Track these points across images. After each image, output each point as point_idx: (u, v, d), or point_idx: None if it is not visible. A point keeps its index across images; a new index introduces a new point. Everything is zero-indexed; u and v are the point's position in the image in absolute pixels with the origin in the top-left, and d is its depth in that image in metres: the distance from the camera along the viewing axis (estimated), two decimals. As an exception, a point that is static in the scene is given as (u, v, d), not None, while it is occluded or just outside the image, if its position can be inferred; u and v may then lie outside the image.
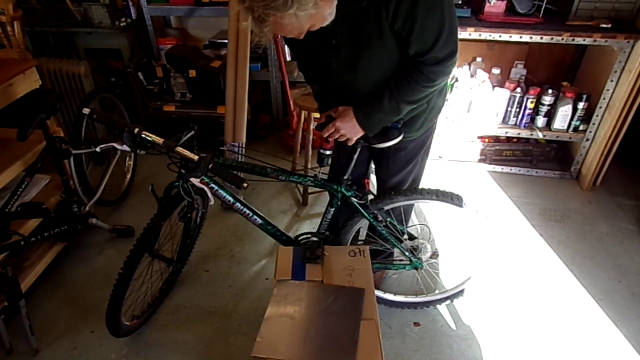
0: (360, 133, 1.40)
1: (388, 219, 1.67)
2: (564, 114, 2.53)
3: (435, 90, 1.38)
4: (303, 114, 2.44)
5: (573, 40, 2.30)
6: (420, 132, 1.54)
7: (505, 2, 2.39)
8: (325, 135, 1.43)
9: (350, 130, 1.39)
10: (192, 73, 2.74)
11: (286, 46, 2.88)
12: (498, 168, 2.82)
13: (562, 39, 2.30)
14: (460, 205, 1.59)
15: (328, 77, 1.44)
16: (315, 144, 2.95)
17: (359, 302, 1.37)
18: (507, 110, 2.62)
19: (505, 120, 2.67)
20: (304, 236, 1.77)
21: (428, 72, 1.26)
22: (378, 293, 1.83)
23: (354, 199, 1.60)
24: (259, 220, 1.67)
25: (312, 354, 1.24)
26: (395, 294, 1.92)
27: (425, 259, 1.75)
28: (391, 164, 1.63)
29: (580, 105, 2.49)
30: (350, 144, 1.44)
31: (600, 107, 2.48)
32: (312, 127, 2.40)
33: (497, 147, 2.83)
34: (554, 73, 2.80)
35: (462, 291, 1.85)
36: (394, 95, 1.31)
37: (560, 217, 2.46)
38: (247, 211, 1.63)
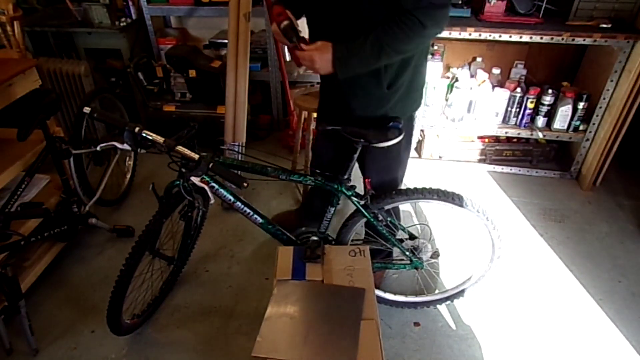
0: (329, 69, 1.36)
1: (389, 219, 1.67)
2: (564, 114, 2.53)
3: (421, 47, 1.38)
4: (303, 114, 2.44)
5: (573, 40, 2.30)
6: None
7: (505, 2, 2.39)
8: (297, 56, 1.40)
9: (321, 61, 1.35)
10: (192, 73, 2.74)
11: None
12: (498, 168, 2.83)
13: (562, 39, 2.30)
14: (461, 205, 1.59)
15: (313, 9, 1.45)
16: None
17: (359, 302, 1.37)
18: (507, 110, 2.63)
19: (505, 120, 2.67)
20: (304, 235, 1.77)
21: (420, 15, 1.24)
22: (378, 293, 1.83)
23: (354, 199, 1.60)
24: (260, 220, 1.67)
25: (312, 354, 1.24)
26: (395, 293, 1.92)
27: (425, 258, 1.75)
28: (368, 161, 1.64)
29: (580, 105, 2.49)
30: (316, 72, 1.41)
31: (600, 107, 2.48)
32: (312, 127, 2.40)
33: (497, 147, 2.83)
34: (554, 73, 2.80)
35: (462, 291, 1.85)
36: (379, 38, 1.29)
37: (560, 217, 2.47)
38: (248, 210, 1.64)
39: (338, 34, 1.36)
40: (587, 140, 2.60)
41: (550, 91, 2.52)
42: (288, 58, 3.02)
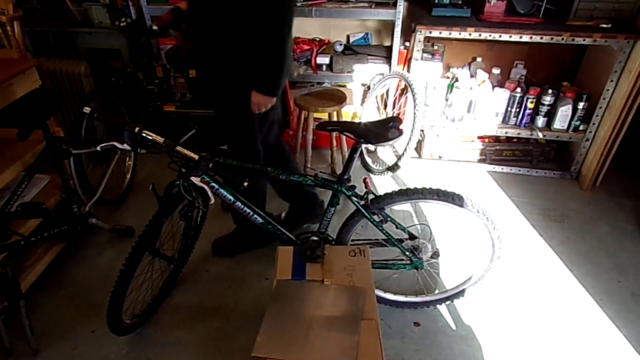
0: (270, 99, 1.66)
1: (389, 218, 1.67)
2: (564, 114, 2.53)
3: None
4: (303, 114, 2.44)
5: (573, 40, 2.31)
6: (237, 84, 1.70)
7: (505, 2, 2.40)
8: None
9: (261, 101, 1.66)
10: (192, 73, 2.74)
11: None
12: (498, 168, 2.83)
13: (562, 39, 2.30)
14: (461, 205, 1.59)
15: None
16: (315, 144, 2.96)
17: (359, 302, 1.37)
18: (507, 110, 2.63)
19: (505, 120, 2.67)
20: (304, 235, 1.77)
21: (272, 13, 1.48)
22: (378, 293, 1.84)
23: (354, 199, 1.60)
24: (260, 220, 1.67)
25: (312, 354, 1.24)
26: (395, 293, 1.92)
27: (425, 258, 1.75)
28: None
29: (580, 105, 2.49)
30: (267, 106, 1.69)
31: (600, 107, 2.48)
32: (311, 127, 2.41)
33: (497, 147, 2.83)
34: (553, 73, 2.80)
35: (462, 291, 1.85)
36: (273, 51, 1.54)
37: (560, 217, 2.46)
38: (248, 210, 1.64)
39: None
40: (587, 140, 2.60)
41: (550, 91, 2.52)
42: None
